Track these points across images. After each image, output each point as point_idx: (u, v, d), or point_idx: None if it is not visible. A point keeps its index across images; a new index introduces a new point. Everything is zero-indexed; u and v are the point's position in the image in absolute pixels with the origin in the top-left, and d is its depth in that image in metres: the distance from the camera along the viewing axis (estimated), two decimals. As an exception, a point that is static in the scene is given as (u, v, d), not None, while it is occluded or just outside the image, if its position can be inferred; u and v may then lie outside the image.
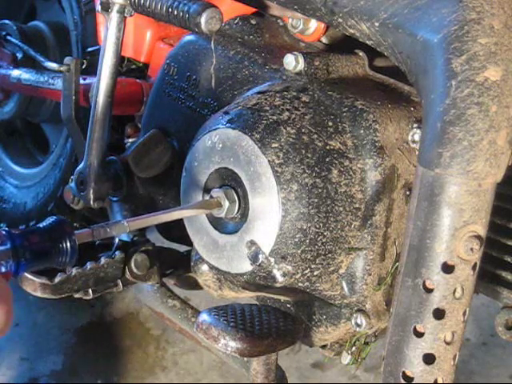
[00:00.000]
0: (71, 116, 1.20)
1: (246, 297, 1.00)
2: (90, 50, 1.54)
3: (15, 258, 0.67)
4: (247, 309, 0.88)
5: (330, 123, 0.90)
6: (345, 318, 0.92)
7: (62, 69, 1.22)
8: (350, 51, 0.98)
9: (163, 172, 1.10)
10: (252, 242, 0.89)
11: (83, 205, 1.12)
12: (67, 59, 1.22)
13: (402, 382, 0.75)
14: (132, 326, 2.16)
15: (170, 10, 0.93)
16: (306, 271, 0.89)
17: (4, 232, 0.67)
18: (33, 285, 0.94)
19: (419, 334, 0.73)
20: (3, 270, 0.66)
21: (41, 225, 0.70)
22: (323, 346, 1.00)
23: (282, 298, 0.97)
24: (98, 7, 1.05)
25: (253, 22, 1.07)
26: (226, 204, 0.89)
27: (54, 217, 0.70)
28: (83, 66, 1.39)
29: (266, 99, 0.91)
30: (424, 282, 0.72)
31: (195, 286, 1.04)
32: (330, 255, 0.89)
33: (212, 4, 0.92)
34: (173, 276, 1.11)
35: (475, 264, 0.73)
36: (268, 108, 0.90)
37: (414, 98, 0.94)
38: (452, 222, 0.71)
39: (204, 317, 0.86)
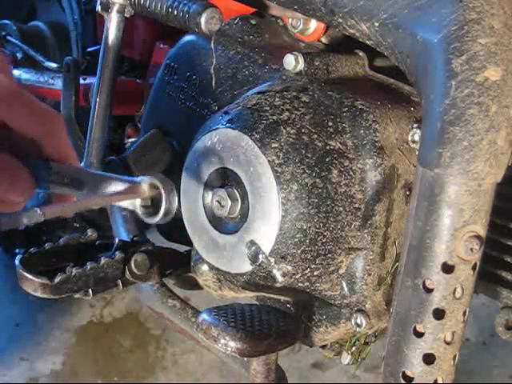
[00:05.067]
0: (71, 116, 1.20)
1: (246, 297, 1.00)
2: (89, 50, 1.54)
3: None
4: (247, 309, 0.88)
5: (330, 123, 0.90)
6: (345, 318, 0.92)
7: (61, 69, 1.23)
8: (350, 51, 0.98)
9: (163, 172, 1.10)
10: (252, 242, 0.89)
11: (83, 205, 1.12)
12: (67, 59, 1.22)
13: (402, 382, 0.75)
14: (132, 326, 2.16)
15: (170, 10, 0.93)
16: (306, 271, 0.89)
17: None
18: (33, 285, 0.94)
19: (419, 334, 0.73)
20: None
21: None
22: (323, 346, 1.00)
23: (282, 298, 0.97)
24: (98, 7, 1.05)
25: (253, 22, 1.07)
26: (228, 203, 0.89)
27: None
28: (83, 66, 1.39)
29: (265, 99, 0.91)
30: (424, 282, 0.72)
31: (195, 285, 1.04)
32: (330, 255, 0.89)
33: (212, 4, 0.92)
34: (173, 276, 1.11)
35: (475, 264, 0.73)
36: (268, 108, 0.90)
37: (414, 98, 0.94)
38: (452, 222, 0.71)
39: (204, 317, 0.86)
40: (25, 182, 0.70)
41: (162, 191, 0.76)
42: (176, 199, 0.76)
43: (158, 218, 0.76)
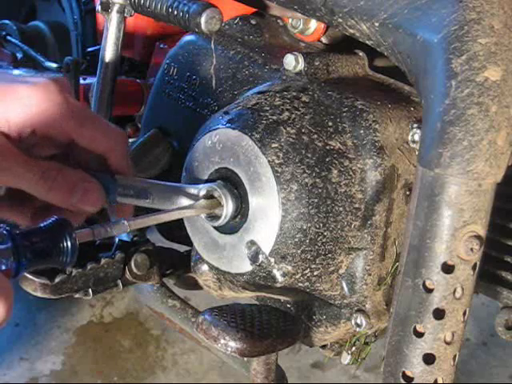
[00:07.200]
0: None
1: (246, 297, 1.00)
2: (90, 50, 1.54)
3: (16, 257, 0.68)
4: (247, 309, 0.88)
5: (330, 123, 0.90)
6: (345, 318, 0.92)
7: (61, 69, 1.23)
8: (349, 51, 0.98)
9: (163, 172, 1.10)
10: (252, 242, 0.89)
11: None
12: (67, 59, 1.22)
13: (402, 381, 0.75)
14: (132, 326, 2.17)
15: (170, 10, 0.93)
16: (306, 271, 0.89)
17: (5, 231, 0.68)
18: (33, 285, 0.94)
19: (419, 334, 0.73)
20: (3, 267, 0.67)
21: (42, 224, 0.71)
22: (323, 346, 1.00)
23: (282, 298, 0.97)
24: (98, 7, 1.05)
25: (253, 22, 1.07)
26: (229, 203, 0.89)
27: (55, 216, 0.71)
28: (83, 66, 1.39)
29: (265, 99, 0.91)
30: (424, 282, 0.72)
31: (195, 285, 1.04)
32: (329, 255, 0.89)
33: (212, 4, 0.92)
34: (173, 276, 1.11)
35: (475, 264, 0.73)
36: (268, 108, 0.90)
37: (414, 98, 0.94)
38: (452, 222, 0.71)
39: (204, 317, 0.86)
40: (96, 194, 0.77)
41: (223, 197, 0.87)
42: (232, 202, 0.87)
43: (220, 221, 0.88)
